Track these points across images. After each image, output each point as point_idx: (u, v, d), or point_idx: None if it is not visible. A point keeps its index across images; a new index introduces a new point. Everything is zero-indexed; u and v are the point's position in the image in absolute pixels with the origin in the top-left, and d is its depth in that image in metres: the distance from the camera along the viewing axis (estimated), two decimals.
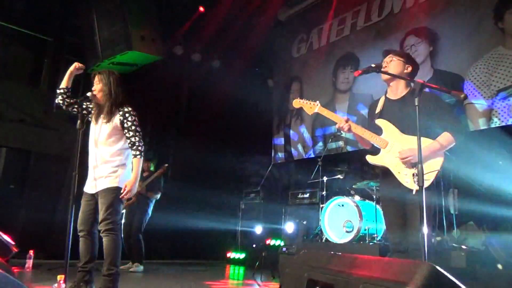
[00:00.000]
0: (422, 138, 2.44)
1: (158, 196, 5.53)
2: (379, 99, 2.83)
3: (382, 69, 2.64)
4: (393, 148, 2.58)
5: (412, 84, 2.66)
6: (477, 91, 4.82)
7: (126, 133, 3.07)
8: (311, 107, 2.84)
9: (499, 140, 4.63)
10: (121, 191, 3.00)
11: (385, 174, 2.68)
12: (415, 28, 5.65)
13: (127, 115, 3.07)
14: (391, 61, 2.66)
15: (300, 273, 1.95)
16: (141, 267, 5.27)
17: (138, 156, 3.05)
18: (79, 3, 6.44)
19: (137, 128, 3.09)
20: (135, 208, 5.46)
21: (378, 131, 2.68)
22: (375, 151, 2.70)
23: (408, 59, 2.68)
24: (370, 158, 2.67)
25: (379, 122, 2.68)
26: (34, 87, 6.76)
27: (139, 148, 3.06)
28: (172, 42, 7.41)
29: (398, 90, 2.69)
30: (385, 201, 2.77)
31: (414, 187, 2.44)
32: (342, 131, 2.72)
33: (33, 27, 6.63)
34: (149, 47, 5.98)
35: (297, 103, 2.93)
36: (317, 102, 2.83)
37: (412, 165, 2.47)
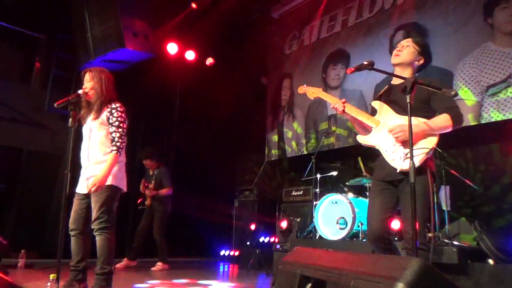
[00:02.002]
0: (420, 119, 2.46)
1: (170, 191, 5.53)
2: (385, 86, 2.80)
3: (395, 52, 2.64)
4: (384, 128, 2.57)
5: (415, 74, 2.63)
6: (466, 87, 4.86)
7: (109, 128, 3.05)
8: (313, 91, 2.97)
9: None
10: (115, 190, 3.00)
11: (378, 158, 2.64)
12: (405, 24, 5.69)
13: (113, 111, 3.07)
14: (407, 46, 2.63)
15: (293, 270, 1.96)
16: (166, 265, 5.36)
17: (114, 152, 3.00)
18: None
19: (120, 124, 3.06)
20: (152, 210, 5.49)
21: (374, 113, 2.69)
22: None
23: (424, 51, 2.64)
24: (359, 138, 2.70)
25: (374, 103, 2.70)
26: (25, 85, 6.70)
27: (117, 144, 3.02)
28: (165, 40, 7.37)
29: (401, 74, 2.64)
30: (373, 190, 2.65)
31: (399, 166, 2.42)
32: (337, 112, 2.73)
33: (23, 25, 6.57)
34: (142, 44, 5.94)
35: (301, 89, 3.05)
36: (320, 88, 2.98)
37: (403, 143, 2.44)
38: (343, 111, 2.67)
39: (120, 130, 3.05)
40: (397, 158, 2.46)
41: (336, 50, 6.67)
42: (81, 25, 6.06)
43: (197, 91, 8.01)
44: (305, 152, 6.75)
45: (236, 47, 7.92)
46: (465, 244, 4.00)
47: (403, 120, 2.49)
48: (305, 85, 3.05)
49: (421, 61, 2.64)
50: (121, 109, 3.10)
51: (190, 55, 7.78)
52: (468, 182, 4.35)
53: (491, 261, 3.67)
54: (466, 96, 4.83)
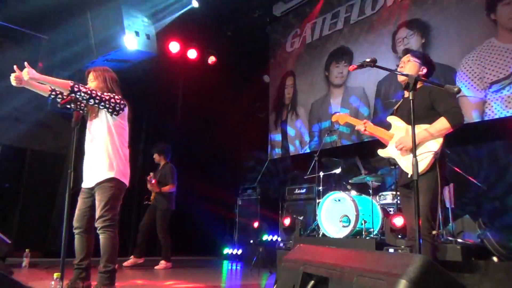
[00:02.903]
0: (423, 126, 2.64)
1: (173, 188, 5.51)
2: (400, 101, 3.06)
3: (399, 69, 2.86)
4: (396, 139, 2.78)
5: (425, 83, 2.78)
6: (470, 84, 4.83)
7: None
8: (343, 117, 3.19)
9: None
10: (119, 186, 3.01)
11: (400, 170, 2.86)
12: (408, 21, 5.66)
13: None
14: (408, 61, 2.82)
15: (296, 267, 1.96)
16: (169, 264, 5.35)
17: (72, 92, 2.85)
18: None
19: (103, 95, 2.97)
20: (155, 206, 5.48)
21: (389, 127, 2.92)
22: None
23: (425, 61, 2.83)
24: (379, 151, 2.91)
25: (389, 118, 2.93)
26: None
27: (75, 85, 2.86)
28: (167, 39, 7.38)
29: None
30: (403, 195, 2.90)
31: (410, 171, 2.55)
32: (360, 132, 3.00)
33: (27, 25, 6.58)
34: (144, 44, 5.95)
35: (334, 117, 3.25)
36: (347, 114, 3.26)
37: (408, 153, 2.66)
38: (365, 130, 2.93)
39: (96, 95, 2.93)
40: (409, 165, 2.61)
41: (339, 47, 6.66)
42: (84, 25, 6.08)
43: (199, 89, 8.02)
44: (308, 150, 6.75)
45: (237, 45, 7.91)
46: (469, 242, 3.99)
47: (404, 131, 2.75)
48: (336, 113, 3.30)
49: (424, 70, 2.83)
50: (118, 97, 3.09)
51: (192, 53, 7.79)
52: (472, 179, 4.33)
53: (495, 259, 3.65)
54: (470, 93, 4.81)
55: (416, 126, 2.58)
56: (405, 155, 2.71)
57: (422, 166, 2.55)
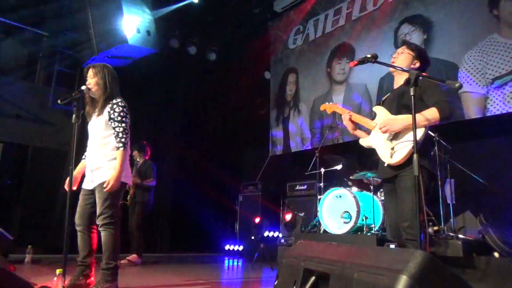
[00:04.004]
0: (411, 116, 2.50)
1: (153, 182, 5.56)
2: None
3: (391, 60, 2.76)
4: (378, 127, 2.67)
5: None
6: (472, 80, 4.81)
7: (111, 123, 3.02)
8: (331, 106, 3.22)
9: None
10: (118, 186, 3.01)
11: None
12: (409, 16, 5.63)
13: (114, 106, 3.04)
14: (402, 53, 2.74)
15: (297, 263, 1.96)
16: (139, 260, 5.34)
17: (121, 148, 2.98)
18: None
19: (123, 119, 3.03)
20: (134, 203, 5.51)
21: (374, 117, 2.83)
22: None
23: (419, 55, 2.73)
24: (361, 141, 2.84)
25: (375, 108, 2.83)
26: (29, 82, 6.73)
27: (122, 140, 2.99)
28: (168, 35, 7.37)
29: (399, 80, 2.76)
30: (385, 192, 2.82)
31: (387, 161, 2.53)
32: (343, 121, 2.91)
33: (28, 22, 6.58)
34: (144, 40, 5.94)
35: (322, 107, 3.29)
36: (336, 103, 3.22)
37: (391, 139, 2.56)
38: (350, 119, 2.85)
39: (123, 124, 3.03)
40: (387, 154, 2.56)
41: (341, 44, 6.63)
42: (85, 21, 6.08)
43: (200, 86, 8.01)
44: (310, 147, 6.74)
45: (238, 41, 7.89)
46: (470, 237, 3.99)
47: (391, 117, 2.63)
48: (326, 103, 3.26)
49: (417, 64, 2.72)
50: (122, 104, 3.08)
51: (192, 50, 7.78)
52: (473, 175, 4.32)
53: (496, 254, 3.65)
54: (472, 88, 4.79)
55: (403, 115, 2.57)
56: (386, 141, 2.59)
57: (403, 153, 2.47)
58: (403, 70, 2.61)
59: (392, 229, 2.68)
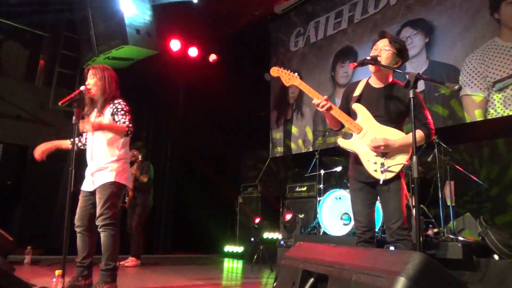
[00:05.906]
0: (394, 130, 2.51)
1: (146, 179, 5.56)
2: (358, 81, 2.77)
3: (371, 53, 2.60)
4: (366, 135, 2.55)
5: (407, 76, 2.62)
6: (473, 83, 4.82)
7: (115, 117, 3.03)
8: (290, 78, 2.74)
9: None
10: (119, 186, 3.01)
11: (356, 160, 2.64)
12: (411, 20, 5.64)
13: (116, 104, 3.07)
14: (386, 50, 2.57)
15: (295, 265, 1.96)
16: (138, 261, 5.34)
17: (125, 124, 3.00)
18: None
19: (126, 113, 3.05)
20: (134, 205, 5.52)
21: (352, 115, 2.65)
22: (345, 135, 2.71)
23: (400, 53, 2.59)
24: (341, 142, 2.64)
25: (356, 106, 2.62)
26: (30, 83, 6.74)
27: (130, 126, 3.02)
28: (168, 36, 7.37)
29: (383, 79, 2.63)
30: (354, 189, 2.68)
31: (381, 177, 2.46)
32: (317, 108, 2.62)
33: (28, 22, 6.59)
34: (145, 42, 5.95)
35: (274, 71, 2.77)
36: (296, 74, 2.75)
37: (382, 155, 2.48)
38: (327, 109, 2.56)
39: (128, 116, 3.05)
40: (378, 169, 2.48)
41: (344, 47, 6.64)
42: (85, 23, 6.08)
43: (200, 87, 8.01)
44: (310, 149, 6.74)
45: (238, 43, 7.89)
46: (470, 240, 3.99)
47: (387, 132, 2.51)
48: (277, 67, 2.78)
49: (399, 63, 2.61)
50: (124, 103, 3.10)
51: (193, 51, 7.78)
52: (473, 177, 4.32)
53: (496, 257, 3.65)
54: (473, 91, 4.80)
55: (387, 127, 2.50)
56: (376, 158, 2.49)
57: (394, 172, 2.45)
58: (405, 73, 2.52)
59: (361, 223, 2.58)
